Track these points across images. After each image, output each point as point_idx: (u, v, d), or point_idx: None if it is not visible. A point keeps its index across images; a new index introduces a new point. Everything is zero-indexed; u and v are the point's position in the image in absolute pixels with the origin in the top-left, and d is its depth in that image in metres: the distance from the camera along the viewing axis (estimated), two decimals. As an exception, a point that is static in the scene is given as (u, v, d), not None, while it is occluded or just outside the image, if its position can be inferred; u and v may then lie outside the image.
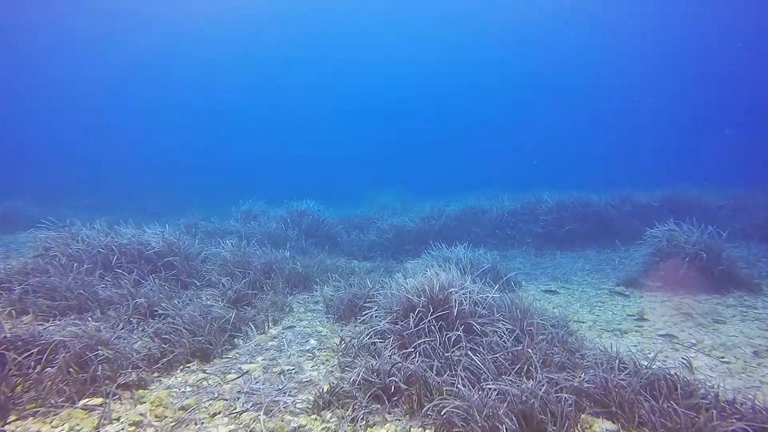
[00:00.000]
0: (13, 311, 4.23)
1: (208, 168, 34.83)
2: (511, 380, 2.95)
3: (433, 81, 50.27)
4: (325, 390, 3.12)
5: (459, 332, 3.54)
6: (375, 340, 3.76)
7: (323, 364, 3.81)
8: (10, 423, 2.69)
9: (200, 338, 3.98)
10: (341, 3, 41.82)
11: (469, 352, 3.31)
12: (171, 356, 3.71)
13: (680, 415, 2.59)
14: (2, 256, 7.34)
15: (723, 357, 3.96)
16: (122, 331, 4.09)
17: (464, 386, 2.90)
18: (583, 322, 5.02)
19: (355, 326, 4.64)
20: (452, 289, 3.92)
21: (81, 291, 4.67)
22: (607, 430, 2.70)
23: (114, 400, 3.02)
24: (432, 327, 3.64)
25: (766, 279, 6.43)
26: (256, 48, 46.40)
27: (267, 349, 4.15)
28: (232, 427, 2.77)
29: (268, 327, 4.78)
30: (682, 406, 2.66)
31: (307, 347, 4.22)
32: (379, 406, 2.98)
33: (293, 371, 3.64)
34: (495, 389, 2.85)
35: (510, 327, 3.74)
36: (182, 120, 48.69)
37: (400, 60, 48.69)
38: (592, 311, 5.47)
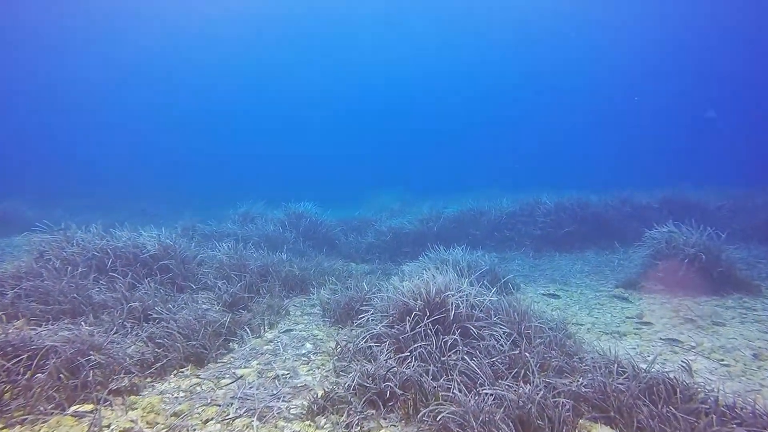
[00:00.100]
0: (4, 316, 4.18)
1: (207, 168, 34.85)
2: (508, 385, 2.91)
3: (432, 81, 50.31)
4: (319, 395, 3.07)
5: (455, 336, 3.50)
6: (371, 344, 3.72)
7: (318, 368, 3.77)
8: (-3, 431, 2.65)
9: (194, 342, 3.94)
10: (341, 3, 41.86)
11: (465, 357, 3.26)
12: (164, 361, 3.66)
13: (680, 420, 2.55)
14: (-3, 259, 7.29)
15: (723, 360, 3.92)
16: (116, 335, 4.05)
17: (460, 391, 2.86)
18: (581, 325, 4.97)
19: (352, 330, 4.60)
20: (449, 293, 3.88)
21: (75, 295, 4.63)
22: (605, 435, 2.66)
23: (105, 406, 2.97)
24: (428, 331, 3.59)
25: (766, 281, 6.40)
26: (255, 48, 46.45)
27: (262, 353, 4.10)
28: (224, 433, 2.73)
29: (264, 331, 4.74)
30: (682, 411, 2.62)
31: (303, 351, 4.17)
32: (374, 411, 2.94)
33: (288, 376, 3.60)
34: (492, 394, 2.81)
35: (507, 330, 3.69)
36: (182, 121, 48.72)
37: (399, 60, 48.74)
38: (591, 313, 5.42)
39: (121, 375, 3.35)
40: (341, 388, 3.14)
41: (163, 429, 2.75)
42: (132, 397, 3.15)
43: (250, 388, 3.34)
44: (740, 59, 35.98)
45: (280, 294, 5.96)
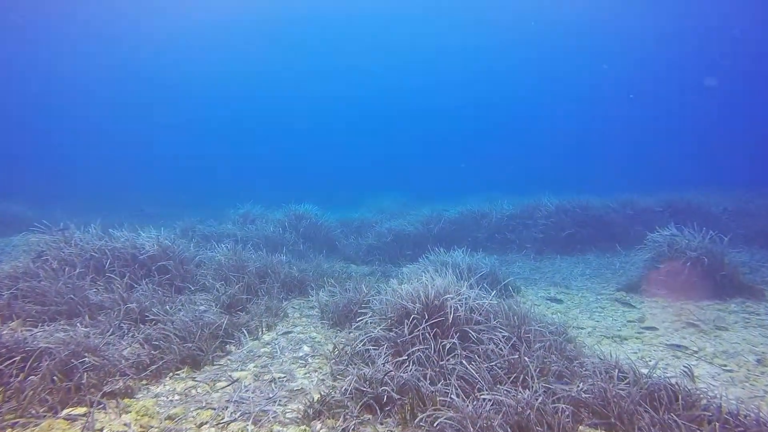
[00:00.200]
0: None
1: (208, 170, 34.92)
2: (506, 390, 2.86)
3: (433, 84, 50.35)
4: (315, 399, 3.03)
5: (454, 340, 3.46)
6: (369, 348, 3.67)
7: (315, 371, 3.73)
8: (-12, 434, 2.61)
9: (191, 345, 3.90)
10: (345, 9, 41.95)
11: (463, 361, 3.22)
12: (160, 363, 3.62)
13: (681, 427, 2.50)
14: (-4, 259, 7.27)
15: (725, 365, 3.87)
16: (112, 337, 4.02)
17: (458, 396, 2.82)
18: (582, 328, 4.92)
19: (350, 332, 4.55)
20: (448, 296, 3.83)
21: (72, 296, 4.60)
22: (605, 442, 2.61)
23: (98, 409, 2.93)
24: (427, 334, 3.55)
25: (769, 284, 6.33)
26: (257, 51, 46.55)
27: (259, 356, 4.06)
28: (218, 438, 2.69)
29: (262, 333, 4.70)
30: (683, 418, 2.56)
31: (300, 354, 4.13)
32: (370, 416, 2.89)
33: (284, 379, 3.56)
34: (490, 400, 2.76)
35: (507, 334, 3.65)
36: (186, 123, 48.87)
37: (401, 64, 48.80)
38: (592, 317, 5.37)
39: (116, 377, 3.31)
40: (338, 392, 3.10)
41: (156, 433, 2.71)
42: (126, 400, 3.11)
43: (246, 391, 3.30)
44: (748, 60, 35.89)
45: (278, 296, 5.92)
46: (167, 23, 40.49)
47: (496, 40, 44.04)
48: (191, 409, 3.00)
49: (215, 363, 3.87)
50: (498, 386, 2.97)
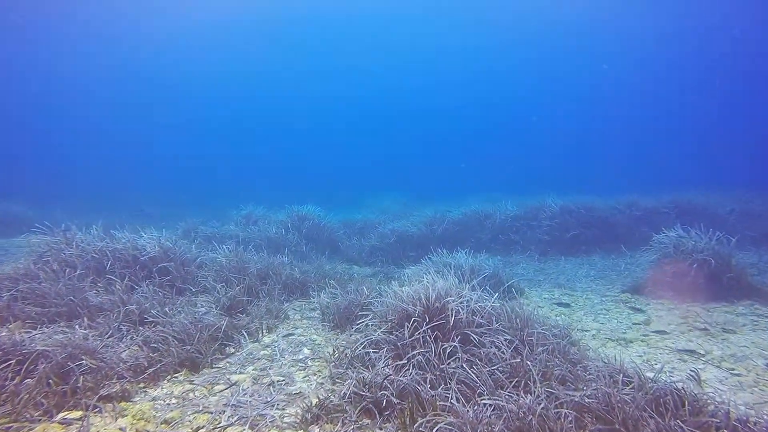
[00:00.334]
0: (-1, 318, 4.14)
1: (211, 171, 34.99)
2: (508, 395, 2.80)
3: (434, 85, 50.27)
4: (314, 403, 2.98)
5: (455, 343, 3.39)
6: (369, 351, 3.62)
7: (315, 375, 3.68)
8: (-18, 438, 2.58)
9: (189, 347, 3.86)
10: (345, 9, 41.98)
11: (464, 365, 3.16)
12: (158, 366, 3.59)
13: (688, 434, 2.43)
14: (-1, 260, 7.28)
15: (733, 369, 3.78)
16: (111, 339, 3.99)
17: (459, 401, 2.76)
18: (586, 331, 4.85)
19: (350, 335, 4.50)
20: (449, 298, 3.77)
21: (71, 297, 4.57)
22: (610, 449, 2.54)
23: (94, 413, 2.90)
24: (427, 337, 3.49)
25: (778, 286, 6.22)
26: (258, 51, 46.66)
27: (258, 359, 4.02)
28: (214, 443, 2.64)
29: (262, 335, 4.65)
30: (690, 425, 2.49)
31: (300, 357, 4.09)
32: (369, 421, 2.84)
33: (283, 382, 3.51)
34: (491, 405, 2.70)
35: (509, 337, 3.58)
36: (186, 123, 49.04)
37: (401, 64, 48.75)
38: (597, 319, 5.29)
39: (114, 380, 3.28)
40: (336, 396, 3.05)
41: (152, 437, 2.68)
42: (123, 403, 3.08)
43: (244, 395, 3.26)
44: (748, 60, 35.61)
45: (279, 297, 5.88)
46: (167, 23, 40.60)
47: (496, 40, 43.89)
48: (188, 413, 2.97)
49: (214, 366, 3.83)
50: (499, 391, 2.90)
